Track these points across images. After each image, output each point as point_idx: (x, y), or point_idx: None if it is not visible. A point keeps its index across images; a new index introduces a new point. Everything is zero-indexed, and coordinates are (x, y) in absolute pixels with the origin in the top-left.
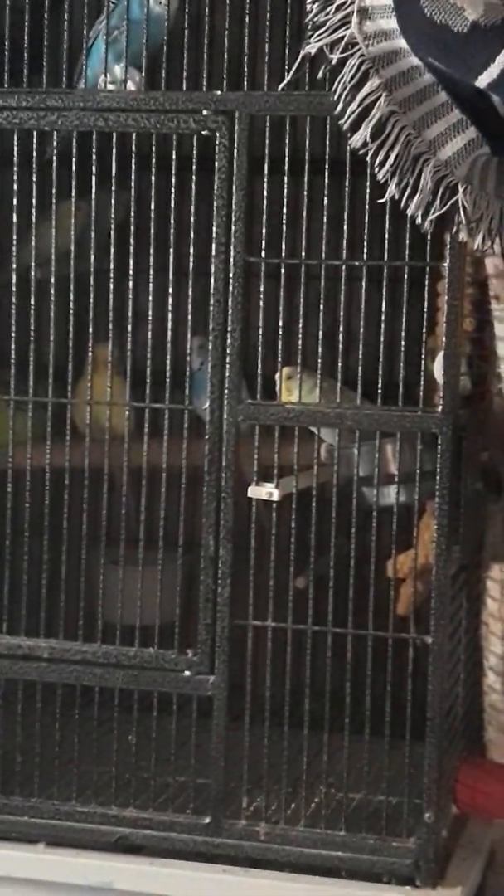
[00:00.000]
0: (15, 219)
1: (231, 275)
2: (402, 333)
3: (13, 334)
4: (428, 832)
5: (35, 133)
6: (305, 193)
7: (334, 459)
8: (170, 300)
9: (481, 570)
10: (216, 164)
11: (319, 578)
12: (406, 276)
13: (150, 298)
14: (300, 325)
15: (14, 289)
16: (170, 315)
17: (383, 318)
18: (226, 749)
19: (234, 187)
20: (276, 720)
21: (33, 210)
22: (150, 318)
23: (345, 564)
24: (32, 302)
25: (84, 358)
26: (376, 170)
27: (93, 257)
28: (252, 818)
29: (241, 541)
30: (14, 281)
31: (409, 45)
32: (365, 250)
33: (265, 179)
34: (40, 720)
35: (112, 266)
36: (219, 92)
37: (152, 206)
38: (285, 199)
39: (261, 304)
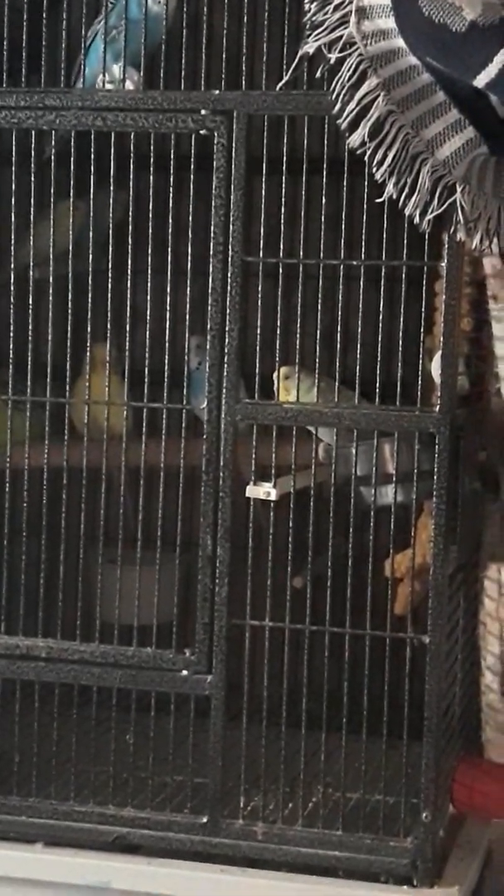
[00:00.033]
0: (13, 218)
1: (229, 274)
2: (400, 333)
3: (11, 334)
4: (425, 832)
5: (33, 132)
6: (303, 193)
7: (332, 459)
8: (168, 300)
9: (479, 569)
10: (214, 163)
11: (317, 578)
12: (404, 275)
13: (149, 298)
14: (298, 325)
15: (12, 288)
16: (168, 315)
17: (381, 317)
18: (223, 748)
19: (232, 187)
20: (273, 720)
21: (31, 209)
22: (148, 317)
23: (342, 564)
24: (31, 301)
25: (82, 357)
26: (374, 169)
27: (91, 257)
28: (249, 818)
29: (239, 540)
30: (12, 280)
31: (407, 44)
32: (363, 250)
33: (263, 179)
34: (38, 720)
35: (110, 265)
36: (217, 91)
37: (150, 206)
38: (283, 199)
39: (259, 303)
